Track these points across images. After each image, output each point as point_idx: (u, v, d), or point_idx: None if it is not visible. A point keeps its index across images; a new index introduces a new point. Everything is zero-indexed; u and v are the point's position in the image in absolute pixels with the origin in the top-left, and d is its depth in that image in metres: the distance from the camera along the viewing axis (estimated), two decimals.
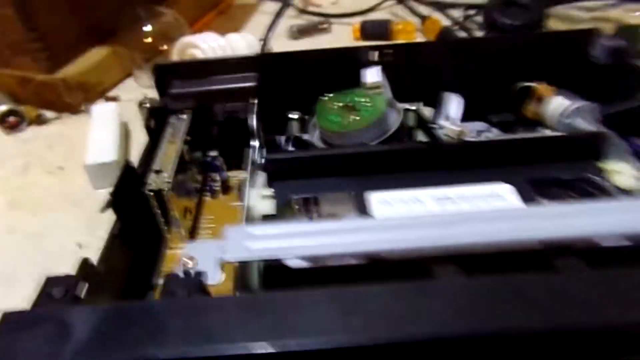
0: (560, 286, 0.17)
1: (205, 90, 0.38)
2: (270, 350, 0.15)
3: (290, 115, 0.38)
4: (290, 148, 0.38)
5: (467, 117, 0.42)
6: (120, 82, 0.59)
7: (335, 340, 0.16)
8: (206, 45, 0.53)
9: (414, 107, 0.38)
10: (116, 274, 0.26)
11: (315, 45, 0.68)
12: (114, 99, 0.57)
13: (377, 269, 0.23)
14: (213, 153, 0.40)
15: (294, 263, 0.21)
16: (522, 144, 0.31)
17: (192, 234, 0.34)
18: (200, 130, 0.38)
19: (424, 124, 0.38)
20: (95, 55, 0.56)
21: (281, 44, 0.69)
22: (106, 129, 0.46)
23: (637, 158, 0.34)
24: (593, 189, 0.29)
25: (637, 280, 0.17)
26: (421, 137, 0.39)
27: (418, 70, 0.41)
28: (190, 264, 0.21)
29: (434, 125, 0.37)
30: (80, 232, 0.37)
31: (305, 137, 0.37)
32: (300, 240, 0.21)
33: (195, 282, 0.20)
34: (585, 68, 0.40)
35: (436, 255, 0.21)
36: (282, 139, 0.39)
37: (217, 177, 0.38)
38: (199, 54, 0.53)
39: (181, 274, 0.20)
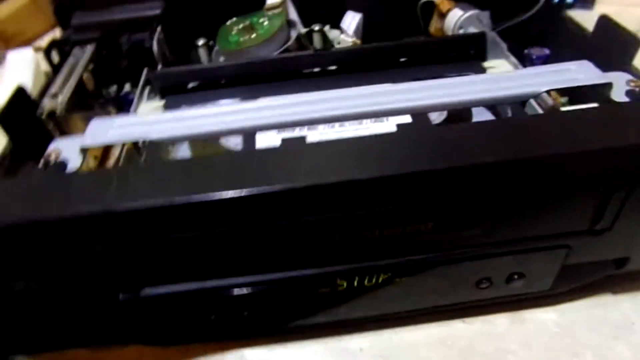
0: None
1: (108, 20, 0.38)
2: None
3: (197, 42, 0.38)
4: None
5: (378, 40, 0.42)
6: (46, 32, 0.58)
7: None
8: None
9: (317, 28, 0.39)
10: None
11: None
12: (41, 48, 0.56)
13: None
14: (127, 87, 0.39)
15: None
16: (410, 47, 0.32)
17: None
18: (108, 62, 0.38)
19: (328, 44, 0.38)
20: (13, 3, 0.54)
21: None
22: (20, 75, 0.45)
23: (534, 64, 0.36)
24: None
25: None
26: None
27: None
28: (52, 156, 0.21)
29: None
30: None
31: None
32: (158, 125, 0.22)
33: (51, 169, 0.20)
34: None
35: None
36: None
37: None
38: None
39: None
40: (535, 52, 0.36)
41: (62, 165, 0.21)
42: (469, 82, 0.23)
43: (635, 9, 0.54)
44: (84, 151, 0.21)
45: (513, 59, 0.30)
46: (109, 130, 0.22)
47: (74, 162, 0.21)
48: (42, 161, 0.21)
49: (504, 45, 0.31)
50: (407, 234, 0.20)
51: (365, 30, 0.42)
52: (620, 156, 0.19)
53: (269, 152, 0.20)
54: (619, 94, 0.22)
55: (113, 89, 0.40)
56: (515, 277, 0.23)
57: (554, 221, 0.21)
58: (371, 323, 0.25)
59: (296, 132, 0.23)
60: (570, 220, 0.21)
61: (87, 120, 0.34)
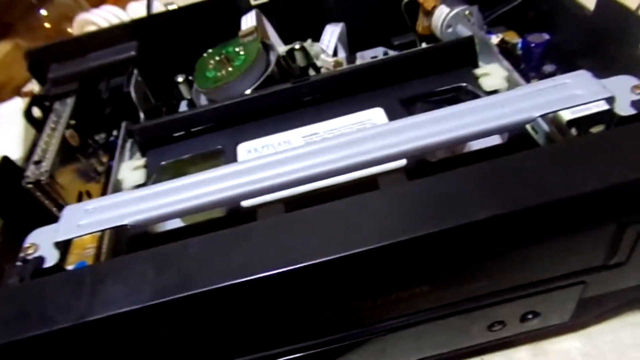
0: None
1: (85, 69, 0.37)
2: None
3: (177, 79, 0.37)
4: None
5: (367, 44, 0.40)
6: None
7: None
8: (102, 20, 0.51)
9: (297, 46, 0.37)
10: None
11: None
12: (30, 94, 0.56)
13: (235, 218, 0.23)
14: (115, 132, 0.39)
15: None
16: (392, 64, 0.29)
17: None
18: (91, 111, 0.37)
19: (311, 60, 0.37)
20: None
21: None
22: (12, 126, 0.45)
23: (526, 56, 0.33)
24: (467, 96, 0.28)
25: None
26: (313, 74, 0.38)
27: (300, 7, 0.39)
28: (30, 251, 0.21)
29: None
30: None
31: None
32: (135, 206, 0.21)
33: (28, 269, 0.20)
34: None
35: None
36: (184, 103, 0.39)
37: None
38: None
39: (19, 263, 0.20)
40: (534, 39, 0.33)
41: (39, 262, 0.20)
42: (457, 114, 0.21)
43: None
44: (58, 245, 0.20)
45: (506, 63, 0.28)
46: (82, 218, 0.21)
47: (51, 257, 0.20)
48: (19, 257, 0.21)
49: (495, 49, 0.29)
50: (401, 299, 0.18)
51: (350, 38, 0.40)
52: (631, 191, 0.17)
53: (249, 231, 0.18)
54: (623, 106, 0.20)
55: (102, 136, 0.40)
56: (530, 316, 0.21)
57: (564, 262, 0.19)
58: None
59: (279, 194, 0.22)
60: (582, 259, 0.19)
61: (77, 174, 0.34)
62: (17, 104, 0.49)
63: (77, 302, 0.17)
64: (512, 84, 0.27)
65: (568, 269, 0.19)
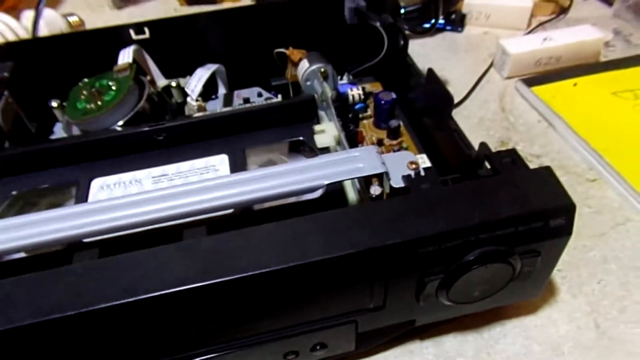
0: None
1: None
2: None
3: (51, 104, 0.38)
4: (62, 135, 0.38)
5: (248, 81, 0.44)
6: None
7: None
8: None
9: (174, 84, 0.40)
10: None
11: (140, 13, 0.67)
12: None
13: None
14: None
15: None
16: (241, 116, 0.33)
17: None
18: None
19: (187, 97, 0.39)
20: None
21: (104, 15, 0.66)
22: None
23: (377, 110, 0.38)
24: (304, 150, 0.33)
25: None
26: (188, 111, 0.40)
27: (181, 44, 0.42)
28: None
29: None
30: None
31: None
32: None
33: None
34: (342, 30, 0.43)
35: None
36: (59, 126, 0.40)
37: None
38: None
39: None
40: (384, 96, 0.39)
41: None
42: (263, 177, 0.25)
43: (499, 30, 0.58)
44: None
45: (338, 124, 0.33)
46: None
47: None
48: None
49: (333, 110, 0.33)
50: (195, 334, 0.22)
51: (231, 76, 0.44)
52: (369, 259, 0.21)
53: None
54: (396, 179, 0.25)
55: None
56: (318, 347, 0.26)
57: (338, 305, 0.24)
58: None
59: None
60: (349, 304, 0.24)
61: None
62: None
63: None
64: (340, 145, 0.32)
65: (341, 310, 0.24)
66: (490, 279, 0.24)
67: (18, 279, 0.20)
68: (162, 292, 0.20)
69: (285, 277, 0.21)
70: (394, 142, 0.37)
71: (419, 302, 0.24)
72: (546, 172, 0.24)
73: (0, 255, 0.24)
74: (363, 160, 0.25)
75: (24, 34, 0.52)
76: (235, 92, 0.43)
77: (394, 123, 0.37)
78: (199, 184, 0.25)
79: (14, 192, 0.30)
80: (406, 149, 0.38)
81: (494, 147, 0.37)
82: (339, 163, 0.25)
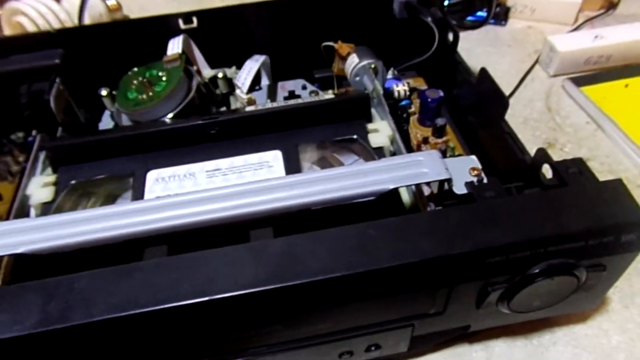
0: None
1: (4, 71, 0.37)
2: None
3: (100, 92, 0.38)
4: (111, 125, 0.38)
5: (291, 73, 0.43)
6: None
7: None
8: (33, 11, 0.50)
9: (220, 75, 0.39)
10: None
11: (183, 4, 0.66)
12: None
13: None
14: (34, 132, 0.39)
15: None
16: (293, 112, 0.33)
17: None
18: (8, 113, 0.38)
19: (234, 88, 0.39)
20: None
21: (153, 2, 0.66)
22: None
23: (423, 107, 0.38)
24: (358, 148, 0.33)
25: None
26: (234, 102, 0.40)
27: (228, 34, 0.41)
28: None
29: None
30: None
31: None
32: (33, 234, 0.23)
33: None
34: (390, 24, 0.42)
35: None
36: (107, 114, 0.40)
37: None
38: (27, 23, 0.50)
39: None
40: (431, 94, 0.38)
41: None
42: (328, 179, 0.25)
43: (544, 25, 0.56)
44: None
45: (392, 123, 0.32)
46: None
47: None
48: None
49: (386, 108, 0.33)
50: (259, 335, 0.22)
51: (275, 67, 0.43)
52: (436, 267, 0.21)
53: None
54: (459, 186, 0.25)
55: (20, 134, 0.40)
56: (373, 347, 0.26)
57: (398, 311, 0.24)
58: None
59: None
60: (410, 308, 0.24)
61: None
62: None
63: None
64: (394, 144, 0.32)
65: (402, 315, 0.24)
66: (554, 291, 0.24)
67: (94, 273, 0.21)
68: (235, 293, 0.20)
69: (353, 282, 0.21)
70: (439, 140, 0.37)
71: (478, 310, 0.24)
72: (618, 185, 0.23)
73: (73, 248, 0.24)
74: (427, 165, 0.25)
75: (65, 17, 0.52)
76: (280, 84, 0.43)
77: (440, 121, 0.36)
78: (264, 182, 0.25)
79: (72, 182, 0.31)
80: (453, 148, 0.38)
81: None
82: (403, 167, 0.25)
